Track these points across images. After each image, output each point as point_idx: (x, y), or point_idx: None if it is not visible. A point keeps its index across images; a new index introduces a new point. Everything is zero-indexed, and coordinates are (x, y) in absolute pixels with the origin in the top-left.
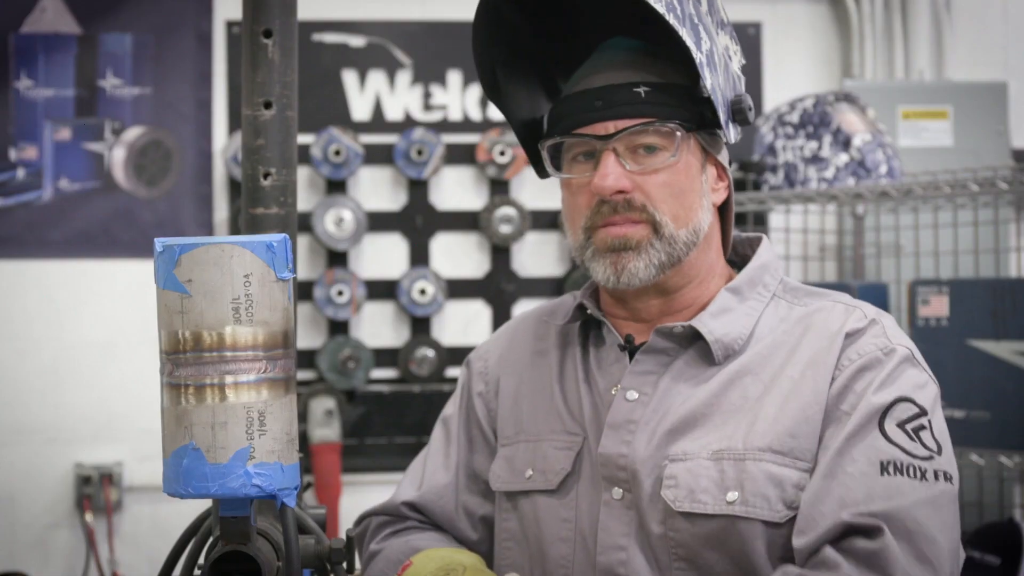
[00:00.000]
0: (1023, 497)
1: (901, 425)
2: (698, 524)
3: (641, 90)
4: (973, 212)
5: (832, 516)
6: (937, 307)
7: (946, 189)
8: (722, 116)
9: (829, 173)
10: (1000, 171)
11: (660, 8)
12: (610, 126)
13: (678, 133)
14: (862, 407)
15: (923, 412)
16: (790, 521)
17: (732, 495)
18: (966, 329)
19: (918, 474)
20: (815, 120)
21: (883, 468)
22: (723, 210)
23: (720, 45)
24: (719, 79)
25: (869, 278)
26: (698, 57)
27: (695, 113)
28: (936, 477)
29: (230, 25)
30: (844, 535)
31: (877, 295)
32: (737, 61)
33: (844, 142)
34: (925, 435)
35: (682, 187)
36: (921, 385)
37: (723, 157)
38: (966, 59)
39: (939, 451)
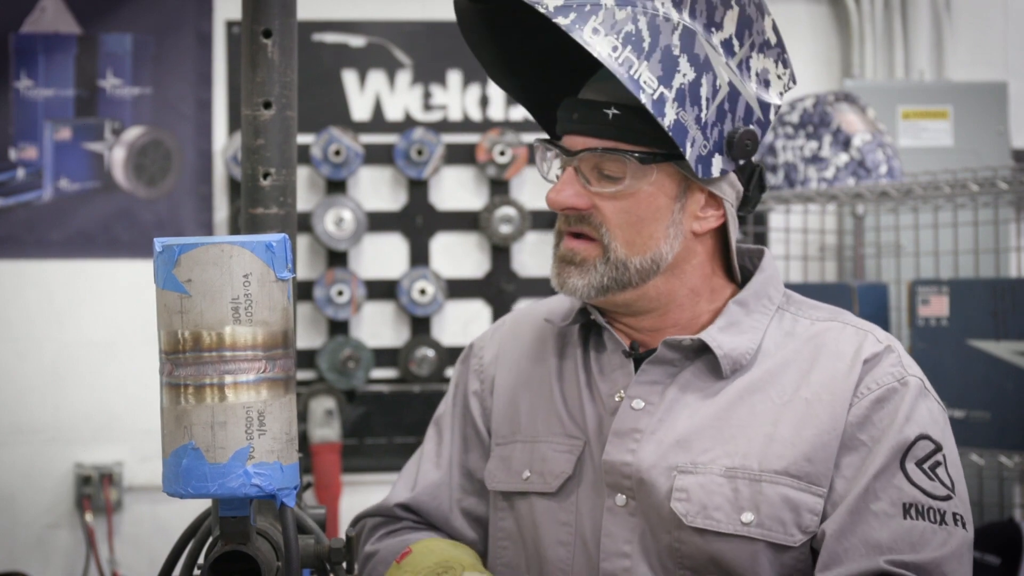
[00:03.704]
0: (1023, 497)
1: (920, 464)
2: (710, 540)
3: (610, 112)
4: (973, 212)
5: (857, 554)
6: (937, 307)
7: (946, 189)
8: (689, 152)
9: (829, 173)
10: (1000, 171)
11: (602, 50)
12: (579, 142)
13: (629, 165)
14: (885, 444)
15: (938, 447)
16: (802, 545)
17: (748, 516)
18: (966, 329)
19: (937, 518)
20: (815, 120)
21: (905, 511)
22: (725, 232)
23: (726, 74)
24: (700, 113)
25: (869, 278)
26: (646, 98)
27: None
28: (955, 522)
29: (230, 25)
30: None
31: (877, 295)
32: (780, 85)
33: (844, 142)
34: (941, 471)
35: (641, 215)
36: (935, 417)
37: (722, 186)
38: (966, 59)
39: (954, 488)
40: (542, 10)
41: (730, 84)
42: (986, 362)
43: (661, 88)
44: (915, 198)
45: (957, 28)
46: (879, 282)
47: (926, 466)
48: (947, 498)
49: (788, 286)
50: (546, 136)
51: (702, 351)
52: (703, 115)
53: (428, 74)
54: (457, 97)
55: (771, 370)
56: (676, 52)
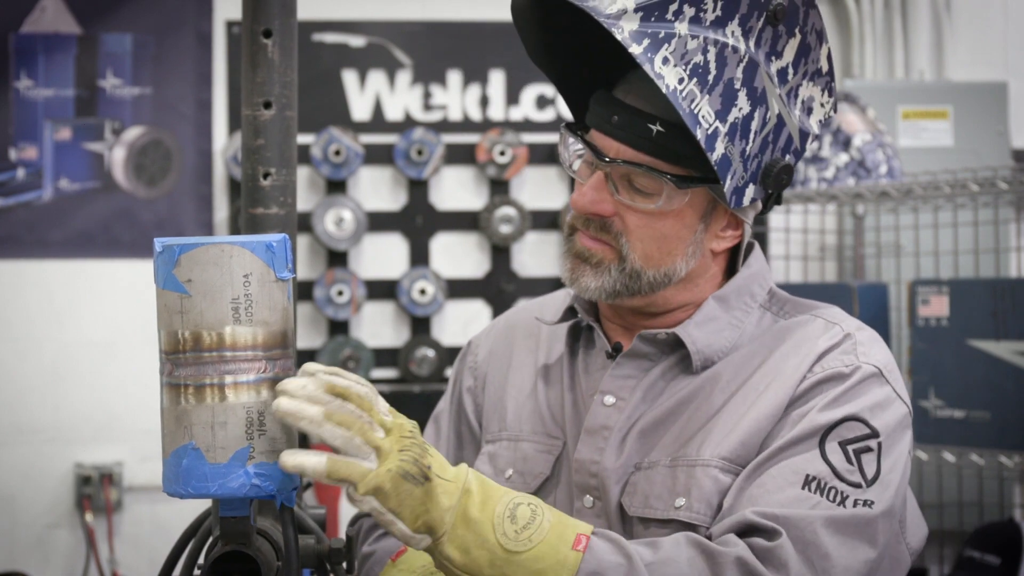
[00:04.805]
0: (1023, 497)
1: (844, 444)
2: (652, 529)
3: (655, 128)
4: (973, 212)
5: (740, 509)
6: (937, 307)
7: (946, 189)
8: (728, 184)
9: (829, 173)
10: (1000, 171)
11: (671, 82)
12: (613, 148)
13: (665, 188)
14: (806, 421)
15: (874, 434)
16: None
17: (680, 501)
18: (966, 329)
19: (838, 498)
20: None
21: (806, 481)
22: (738, 247)
23: (777, 106)
24: (746, 146)
25: (869, 278)
26: (701, 133)
27: (709, 164)
28: (854, 506)
29: (230, 25)
30: (745, 533)
31: (877, 295)
32: (821, 113)
33: (844, 142)
34: (867, 459)
35: (666, 233)
36: (883, 404)
37: (746, 210)
38: (966, 59)
39: (872, 481)
40: (618, 36)
41: (778, 116)
42: (986, 362)
43: (716, 123)
44: (915, 198)
45: (957, 28)
46: (879, 282)
47: (851, 448)
48: (857, 485)
49: (788, 286)
50: (572, 119)
51: (678, 346)
52: (748, 148)
53: (428, 74)
54: (457, 97)
55: (735, 361)
56: (737, 86)
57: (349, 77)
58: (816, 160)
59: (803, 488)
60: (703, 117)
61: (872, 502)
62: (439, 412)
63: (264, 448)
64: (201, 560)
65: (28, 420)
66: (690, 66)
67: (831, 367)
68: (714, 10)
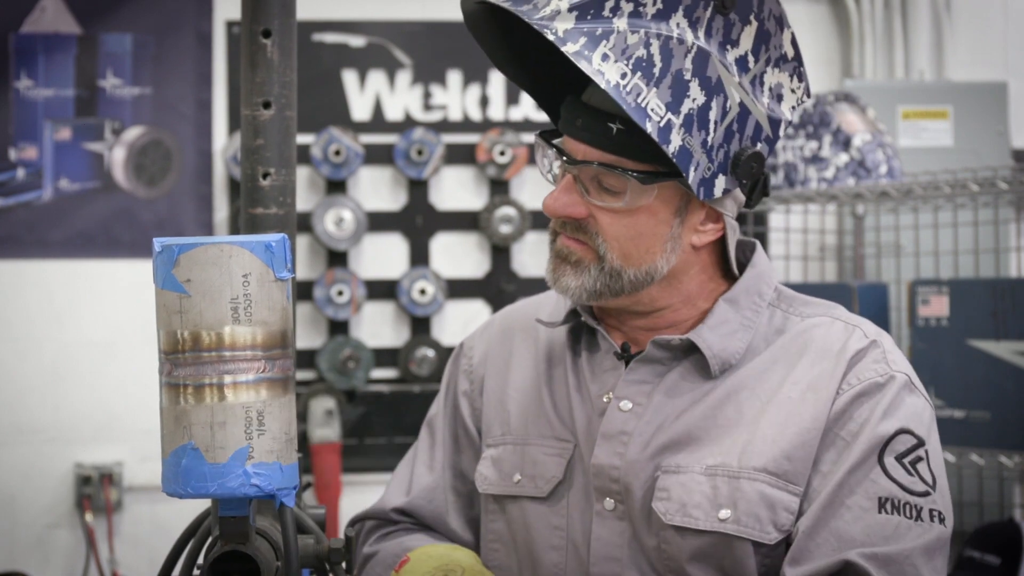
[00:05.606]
0: (1023, 497)
1: (900, 458)
2: (688, 539)
3: (615, 126)
4: (973, 212)
5: (829, 549)
6: (937, 307)
7: (946, 189)
8: (692, 176)
9: (829, 173)
10: (1000, 171)
11: (612, 78)
12: (580, 150)
13: (630, 182)
14: (863, 439)
15: (921, 443)
16: (779, 544)
17: (725, 512)
18: (966, 329)
19: (914, 513)
20: (815, 120)
21: (881, 505)
22: (724, 241)
23: (738, 94)
24: (707, 136)
25: (869, 278)
26: (651, 126)
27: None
28: (931, 518)
29: (230, 25)
30: (842, 572)
31: (877, 295)
32: (793, 99)
33: (844, 142)
34: (922, 467)
35: (640, 230)
36: (919, 412)
37: (724, 201)
38: (966, 59)
39: (934, 485)
40: (550, 36)
41: (740, 104)
42: (986, 362)
43: (668, 115)
44: (915, 198)
45: (957, 28)
46: (879, 282)
47: (906, 461)
48: (925, 494)
49: (788, 287)
50: (552, 127)
51: (691, 350)
52: (710, 138)
53: (428, 74)
54: (457, 97)
55: (759, 368)
56: (687, 76)
57: (349, 77)
58: (816, 160)
59: (880, 512)
60: (652, 110)
61: (943, 515)
62: (433, 416)
63: (263, 448)
64: (201, 560)
65: (28, 420)
66: (632, 60)
67: (866, 378)
68: (654, 4)
